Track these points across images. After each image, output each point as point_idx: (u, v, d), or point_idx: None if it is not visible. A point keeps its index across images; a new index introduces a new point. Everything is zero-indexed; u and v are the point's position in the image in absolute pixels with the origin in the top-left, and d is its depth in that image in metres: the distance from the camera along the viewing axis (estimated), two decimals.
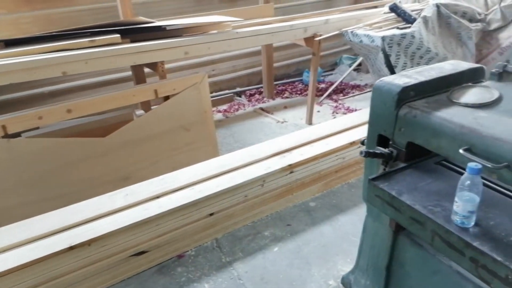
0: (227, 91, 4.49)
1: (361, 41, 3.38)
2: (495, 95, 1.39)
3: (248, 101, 4.42)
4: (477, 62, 3.52)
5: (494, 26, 3.51)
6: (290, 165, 2.46)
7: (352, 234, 2.27)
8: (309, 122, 3.78)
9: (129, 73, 3.50)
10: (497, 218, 1.17)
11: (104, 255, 1.90)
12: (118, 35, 2.76)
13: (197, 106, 2.83)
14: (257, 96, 4.54)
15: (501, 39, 3.47)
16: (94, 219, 1.99)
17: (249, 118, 4.04)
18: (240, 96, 4.52)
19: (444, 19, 3.38)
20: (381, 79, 1.56)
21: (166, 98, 2.74)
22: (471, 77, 1.58)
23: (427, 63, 3.41)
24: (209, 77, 4.34)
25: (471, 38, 3.41)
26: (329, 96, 4.45)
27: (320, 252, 2.15)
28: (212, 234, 2.27)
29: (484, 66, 1.62)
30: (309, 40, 3.43)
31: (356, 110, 4.03)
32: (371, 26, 3.45)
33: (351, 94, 4.46)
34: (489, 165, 1.13)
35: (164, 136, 2.71)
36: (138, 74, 3.17)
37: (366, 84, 4.76)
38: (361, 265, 1.87)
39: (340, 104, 4.23)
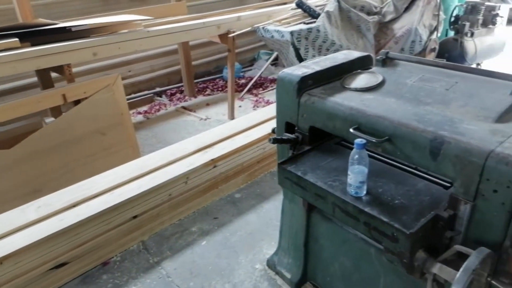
0: (146, 92, 4.40)
1: (272, 37, 3.54)
2: (379, 79, 1.57)
3: (170, 100, 4.38)
4: (376, 51, 3.88)
5: (388, 18, 3.89)
6: (213, 159, 2.52)
7: (275, 219, 2.39)
8: (231, 117, 3.86)
9: (35, 78, 3.26)
10: (385, 186, 1.34)
11: (19, 272, 1.79)
12: (17, 39, 2.57)
13: (113, 109, 2.75)
14: (178, 95, 4.51)
15: (395, 29, 3.86)
16: (5, 236, 1.85)
17: (172, 117, 4.00)
18: (160, 96, 4.45)
19: (345, 13, 3.67)
20: (283, 70, 1.68)
21: (78, 102, 2.62)
22: (361, 65, 1.77)
23: None
24: (125, 78, 4.23)
25: (370, 30, 3.74)
26: (249, 91, 4.57)
27: (247, 240, 2.24)
28: (137, 237, 2.24)
29: (371, 54, 1.81)
30: (223, 37, 3.50)
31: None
32: (280, 22, 3.62)
33: (270, 88, 4.64)
34: (374, 140, 1.29)
35: (78, 142, 2.59)
36: (45, 79, 2.97)
37: None
38: (282, 245, 1.99)
39: (260, 98, 4.37)
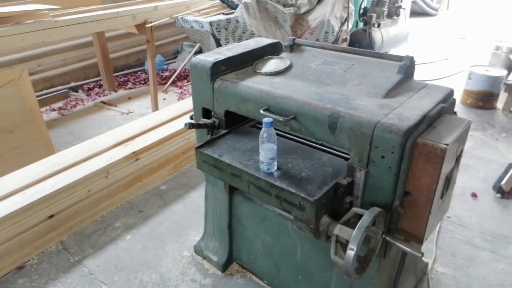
0: (60, 87, 4.11)
1: (192, 27, 3.52)
2: (287, 63, 1.67)
3: (87, 95, 4.15)
4: None
5: (303, 9, 4.08)
6: (134, 152, 2.46)
7: (202, 207, 2.39)
8: (155, 110, 3.78)
9: None
10: (294, 161, 1.44)
11: None
12: None
13: (20, 105, 2.55)
14: (96, 89, 4.29)
15: (310, 20, 4.07)
16: None
17: (90, 113, 3.81)
18: (76, 91, 4.20)
19: (262, 4, 3.77)
20: (196, 56, 1.71)
21: None
22: (271, 51, 1.86)
23: None
24: (35, 73, 3.92)
25: (286, 21, 3.90)
26: (173, 83, 4.51)
27: (174, 230, 2.25)
28: (55, 237, 2.12)
29: (281, 41, 1.91)
30: (141, 27, 3.40)
31: None
32: (199, 12, 3.62)
33: None
34: (281, 119, 1.38)
35: None
36: None
37: None
38: (208, 230, 2.03)
39: (185, 90, 4.34)
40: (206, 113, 1.73)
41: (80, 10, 3.29)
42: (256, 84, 1.54)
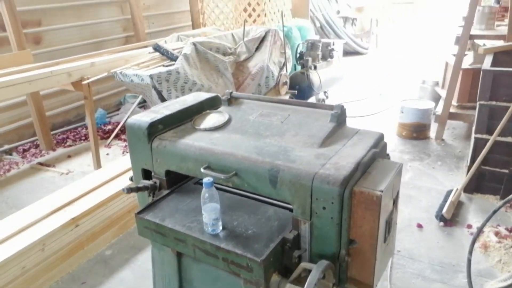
0: None
1: (132, 81, 3.49)
2: (226, 117, 1.68)
3: (22, 157, 3.89)
4: (237, 88, 4.16)
5: (243, 57, 4.22)
6: (73, 218, 2.30)
7: None
8: (98, 166, 3.61)
9: None
10: (239, 218, 1.41)
11: None
12: None
13: None
14: (33, 150, 4.03)
15: (250, 67, 4.21)
16: None
17: (26, 176, 3.55)
18: (10, 154, 3.92)
19: (202, 54, 3.85)
20: (132, 117, 1.67)
21: None
22: (210, 105, 1.86)
23: None
24: None
25: (227, 69, 4.00)
26: (117, 136, 4.37)
27: None
28: None
29: (219, 94, 1.93)
30: (77, 84, 3.30)
31: None
32: (139, 65, 3.60)
33: None
34: (222, 176, 1.36)
35: None
36: None
37: None
38: None
39: None
40: (146, 174, 1.67)
41: (10, 72, 3.14)
42: (196, 141, 1.52)
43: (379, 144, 1.45)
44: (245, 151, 1.39)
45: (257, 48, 4.34)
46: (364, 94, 5.48)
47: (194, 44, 3.78)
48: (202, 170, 1.40)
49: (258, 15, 5.54)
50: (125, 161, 3.01)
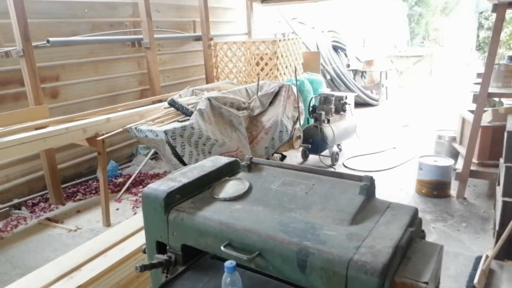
0: (0, 206, 3.75)
1: (146, 136, 3.47)
2: (246, 186, 1.59)
3: (31, 212, 3.80)
4: (250, 142, 4.12)
5: (256, 111, 4.22)
6: (79, 286, 2.16)
7: None
8: (107, 223, 3.51)
9: None
10: None
11: None
12: None
13: None
14: (42, 204, 3.96)
15: (264, 121, 4.19)
16: None
17: (33, 233, 3.44)
18: (19, 209, 3.84)
19: (216, 109, 3.86)
20: (148, 186, 1.59)
21: None
22: (229, 170, 1.79)
23: (210, 149, 3.76)
24: None
25: (241, 124, 3.98)
26: (128, 190, 4.29)
27: None
28: None
29: (238, 159, 1.87)
30: (91, 140, 3.29)
31: None
32: (154, 121, 3.61)
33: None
34: (245, 258, 1.25)
35: None
36: None
37: (165, 172, 4.85)
38: None
39: (140, 197, 4.12)
40: (161, 246, 1.56)
41: (24, 127, 3.16)
42: (215, 213, 1.42)
43: (415, 221, 1.34)
44: (269, 228, 1.29)
45: (271, 103, 4.36)
46: (378, 147, 5.40)
47: (209, 99, 3.80)
48: (222, 248, 1.30)
49: (271, 69, 5.64)
50: (133, 222, 2.90)
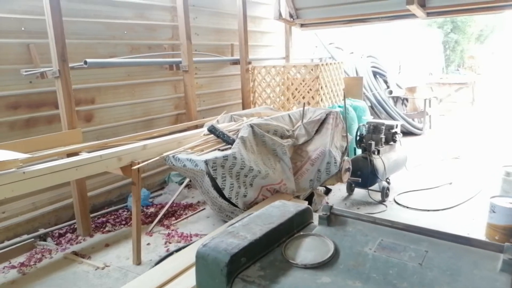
0: (25, 237, 3.49)
1: (184, 166, 3.16)
2: (331, 248, 1.21)
3: (57, 244, 3.52)
4: (294, 173, 3.73)
5: (301, 140, 3.85)
6: None
7: None
8: (137, 261, 3.16)
9: None
10: None
11: None
12: None
13: None
14: (69, 235, 3.68)
15: (310, 151, 3.81)
16: None
17: (58, 269, 3.13)
18: (45, 240, 3.57)
19: (259, 138, 3.52)
20: (204, 243, 1.23)
21: None
22: (301, 221, 1.42)
23: (252, 181, 3.40)
24: None
25: (286, 153, 3.62)
26: (160, 222, 3.97)
27: None
28: None
29: (310, 207, 1.49)
30: (126, 169, 3.01)
31: (191, 235, 3.64)
32: (193, 149, 3.30)
33: (184, 216, 4.10)
34: None
35: None
36: None
37: (198, 202, 4.51)
38: None
39: (173, 230, 3.78)
40: None
41: (55, 153, 2.92)
42: None
43: None
44: None
45: (317, 131, 3.98)
46: (430, 182, 4.89)
47: (251, 126, 3.47)
48: None
49: (312, 96, 5.31)
50: (170, 265, 2.54)
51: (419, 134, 7.71)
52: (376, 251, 1.17)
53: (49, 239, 3.59)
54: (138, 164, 3.02)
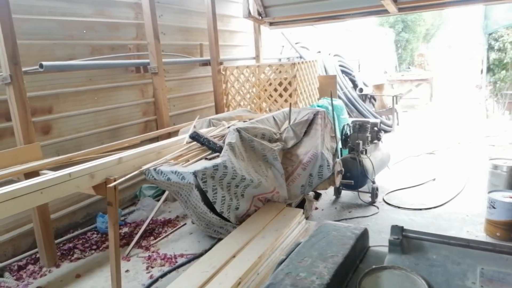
0: None
1: (168, 179, 2.77)
2: (422, 286, 0.93)
3: (17, 279, 2.98)
4: (286, 179, 3.45)
5: (290, 143, 3.58)
6: None
7: None
8: None
9: None
10: None
11: None
12: None
13: None
14: (30, 267, 3.14)
15: (301, 155, 3.54)
16: None
17: None
18: (1, 276, 3.01)
19: (247, 143, 3.20)
20: None
21: None
22: (361, 248, 1.13)
23: (243, 191, 3.07)
24: None
25: (277, 159, 3.32)
26: (137, 243, 3.52)
27: None
28: None
29: (367, 228, 1.20)
30: (100, 187, 2.56)
31: (175, 256, 3.24)
32: (176, 159, 2.92)
33: (164, 235, 3.68)
34: None
35: None
36: None
37: (177, 217, 4.09)
38: None
39: (153, 252, 3.35)
40: None
41: (11, 173, 2.42)
42: None
43: None
44: None
45: (305, 133, 3.73)
46: (414, 179, 4.81)
47: (238, 130, 3.14)
48: None
49: (290, 95, 5.07)
50: None
51: (389, 131, 7.74)
52: (482, 286, 0.90)
53: (6, 274, 3.03)
54: (114, 180, 2.58)
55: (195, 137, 3.09)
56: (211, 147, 3.07)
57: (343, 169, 3.78)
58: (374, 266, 1.03)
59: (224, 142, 3.08)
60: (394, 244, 1.07)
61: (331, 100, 4.06)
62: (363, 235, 1.15)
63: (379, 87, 8.77)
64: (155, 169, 2.80)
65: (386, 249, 1.12)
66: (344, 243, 1.08)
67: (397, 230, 1.09)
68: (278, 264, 1.02)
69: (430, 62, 20.84)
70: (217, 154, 3.00)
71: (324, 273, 0.94)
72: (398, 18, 19.70)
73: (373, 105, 8.67)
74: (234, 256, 2.57)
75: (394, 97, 7.94)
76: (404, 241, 1.09)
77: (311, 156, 3.51)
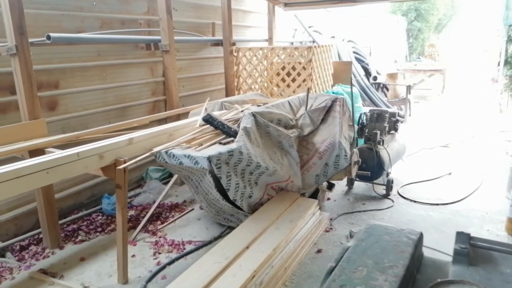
0: None
1: (180, 163, 2.62)
2: None
3: (19, 260, 2.87)
4: (300, 168, 3.30)
5: (307, 131, 3.42)
6: None
7: None
8: (124, 279, 2.61)
9: None
10: None
11: None
12: None
13: None
14: (33, 248, 3.03)
15: (317, 143, 3.38)
16: None
17: None
18: (3, 256, 2.91)
19: (263, 128, 3.05)
20: None
21: None
22: (417, 255, 0.98)
23: (257, 179, 2.93)
24: None
25: (293, 146, 3.17)
26: (143, 227, 3.39)
27: None
28: None
29: (422, 233, 1.05)
30: (108, 169, 2.42)
31: (183, 243, 3.12)
32: (189, 142, 2.76)
33: (171, 220, 3.55)
34: None
35: None
36: None
37: (185, 201, 3.96)
38: None
39: (161, 237, 3.23)
40: None
41: (15, 149, 2.28)
42: None
43: None
44: None
45: (322, 120, 3.56)
46: (429, 173, 4.65)
47: (254, 115, 2.98)
48: None
49: (304, 80, 4.88)
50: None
51: (402, 122, 7.54)
52: None
53: (8, 254, 2.92)
54: (124, 162, 2.44)
55: (208, 120, 2.93)
56: (226, 131, 2.91)
57: (360, 160, 3.62)
58: (439, 280, 0.88)
59: (239, 127, 2.92)
60: (460, 254, 0.92)
61: (351, 87, 3.87)
62: (420, 241, 1.00)
63: (392, 76, 8.54)
64: (166, 152, 2.65)
65: (442, 256, 0.97)
66: (401, 251, 0.93)
67: (464, 237, 0.94)
68: (328, 272, 0.87)
69: (440, 53, 20.42)
70: (232, 139, 2.85)
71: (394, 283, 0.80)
72: (411, 6, 19.22)
73: (385, 94, 8.45)
74: (247, 247, 2.45)
75: (408, 87, 7.71)
76: (471, 250, 0.94)
77: (328, 144, 3.35)
